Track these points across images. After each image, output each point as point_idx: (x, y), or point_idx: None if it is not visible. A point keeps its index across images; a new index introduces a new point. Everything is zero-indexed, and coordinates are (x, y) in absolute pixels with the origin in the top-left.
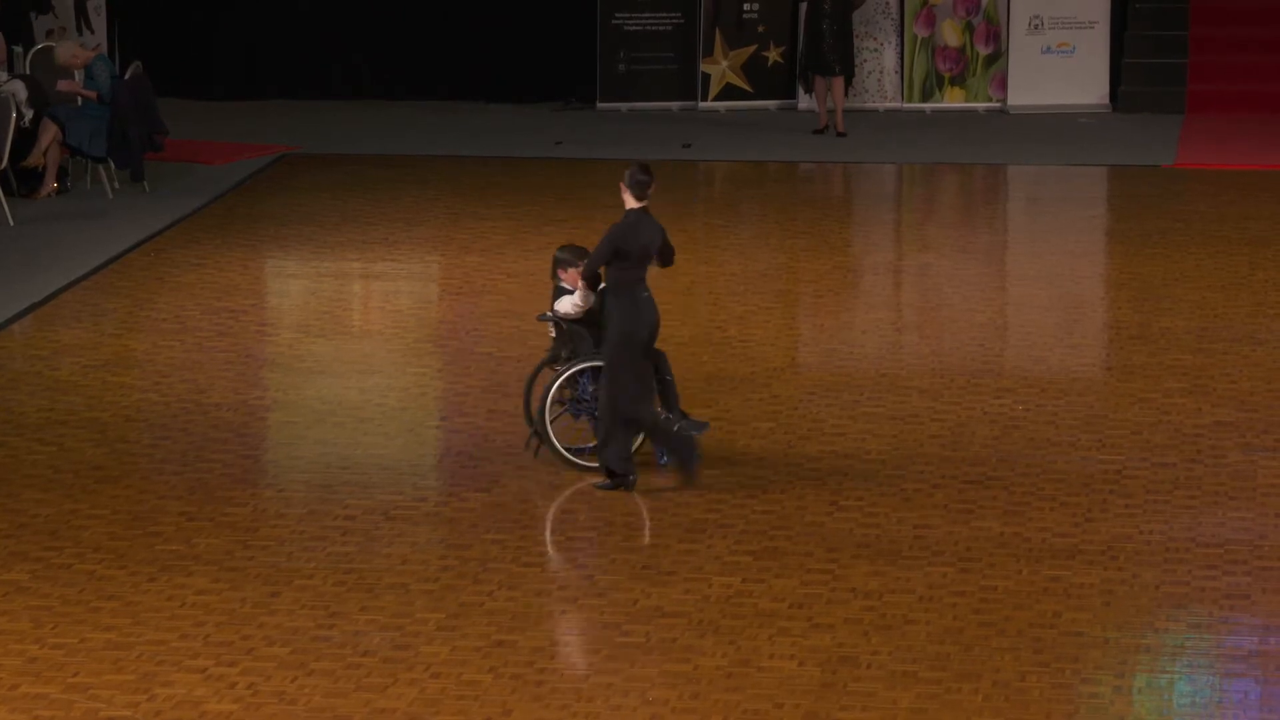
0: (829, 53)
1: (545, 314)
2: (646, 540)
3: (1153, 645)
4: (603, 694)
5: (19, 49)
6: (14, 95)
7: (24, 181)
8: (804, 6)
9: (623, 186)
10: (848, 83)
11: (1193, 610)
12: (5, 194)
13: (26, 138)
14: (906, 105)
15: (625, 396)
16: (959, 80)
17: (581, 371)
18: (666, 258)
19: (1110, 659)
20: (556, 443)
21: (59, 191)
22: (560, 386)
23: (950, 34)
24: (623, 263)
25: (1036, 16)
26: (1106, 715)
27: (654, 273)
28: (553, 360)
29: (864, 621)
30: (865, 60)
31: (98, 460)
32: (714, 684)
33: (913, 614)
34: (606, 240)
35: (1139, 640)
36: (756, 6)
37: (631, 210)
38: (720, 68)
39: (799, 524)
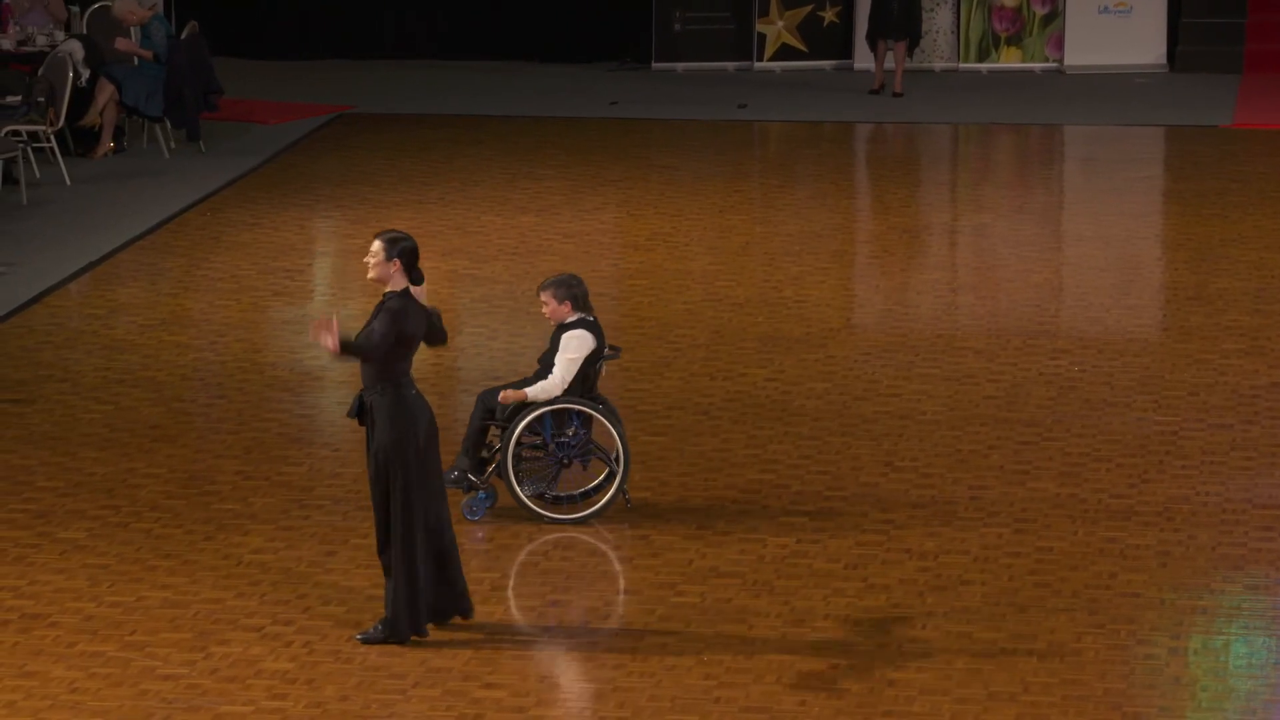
0: (899, 15)
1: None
2: (701, 501)
3: (1209, 606)
4: (657, 654)
5: (76, 9)
6: (71, 55)
7: (81, 141)
8: None
9: (399, 268)
10: (912, 46)
11: (1249, 572)
12: (62, 153)
13: (83, 97)
14: (963, 65)
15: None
16: (1015, 40)
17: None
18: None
19: (1166, 620)
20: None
21: (115, 151)
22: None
23: None
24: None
25: None
26: (1162, 676)
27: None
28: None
29: (919, 582)
30: (922, 20)
31: (154, 419)
32: (769, 644)
33: (968, 575)
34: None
35: (1195, 601)
36: None
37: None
38: (776, 28)
39: (854, 484)
